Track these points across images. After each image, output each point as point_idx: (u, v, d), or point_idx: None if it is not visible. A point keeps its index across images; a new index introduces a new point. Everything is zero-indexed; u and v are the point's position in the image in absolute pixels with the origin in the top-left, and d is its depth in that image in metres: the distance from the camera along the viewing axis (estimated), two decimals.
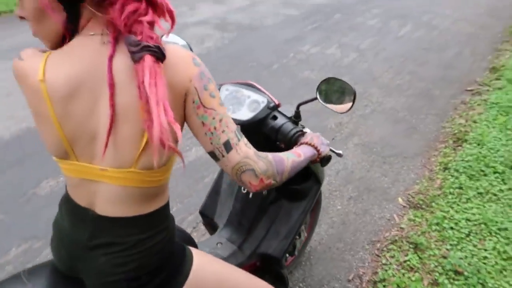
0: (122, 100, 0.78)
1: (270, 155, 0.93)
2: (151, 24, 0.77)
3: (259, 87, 1.41)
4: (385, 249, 2.13)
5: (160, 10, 0.78)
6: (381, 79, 4.11)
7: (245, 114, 1.31)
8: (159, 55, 0.75)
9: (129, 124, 0.79)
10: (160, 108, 0.74)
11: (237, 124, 1.18)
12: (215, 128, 0.85)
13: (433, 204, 2.40)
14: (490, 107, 3.40)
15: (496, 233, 2.15)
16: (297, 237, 1.76)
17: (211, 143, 0.86)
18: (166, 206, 0.97)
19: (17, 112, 3.21)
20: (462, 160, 2.73)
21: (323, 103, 1.33)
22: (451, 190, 2.49)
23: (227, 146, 0.86)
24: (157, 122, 0.73)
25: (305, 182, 1.53)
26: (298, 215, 1.53)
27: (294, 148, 1.16)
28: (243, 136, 0.90)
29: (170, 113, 0.75)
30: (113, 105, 0.77)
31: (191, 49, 1.34)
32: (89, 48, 0.80)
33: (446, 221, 2.24)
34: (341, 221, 2.31)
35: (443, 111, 3.51)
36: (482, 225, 2.19)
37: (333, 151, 1.30)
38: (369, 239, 2.20)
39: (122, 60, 0.77)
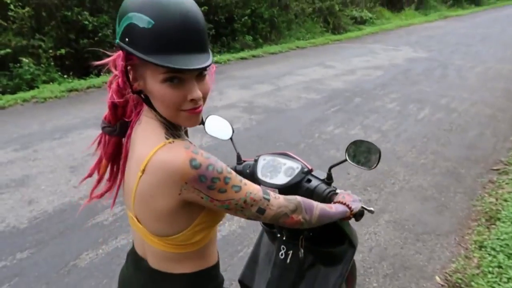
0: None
1: (299, 197, 1.04)
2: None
3: (293, 155, 1.56)
4: None
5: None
6: (405, 158, 4.22)
7: (282, 179, 1.43)
8: (103, 129, 1.02)
9: (128, 188, 0.96)
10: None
11: (275, 188, 1.35)
12: (242, 207, 0.91)
13: (473, 283, 2.35)
14: None
15: None
16: None
17: (245, 215, 0.94)
18: (212, 269, 1.04)
19: (60, 187, 3.39)
20: (498, 239, 2.71)
21: (352, 163, 1.46)
22: (490, 269, 2.44)
23: (260, 211, 0.94)
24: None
25: (340, 245, 1.58)
26: (336, 279, 1.55)
27: (326, 204, 1.25)
28: (270, 192, 0.98)
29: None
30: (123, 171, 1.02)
31: (233, 130, 1.52)
32: None
33: None
34: None
35: (471, 190, 3.54)
36: None
37: (365, 208, 1.38)
38: None
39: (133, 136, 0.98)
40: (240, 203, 0.89)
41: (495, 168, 3.96)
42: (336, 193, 1.38)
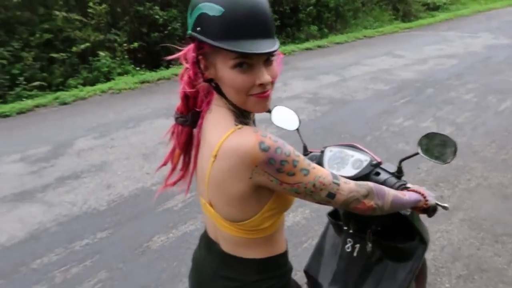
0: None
1: (370, 183, 1.02)
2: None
3: (361, 147, 1.51)
4: None
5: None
6: (483, 153, 3.93)
7: (349, 171, 1.40)
8: (176, 120, 1.05)
9: (201, 174, 1.00)
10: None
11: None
12: (311, 191, 0.91)
13: None
14: None
15: None
16: None
17: (314, 199, 0.93)
18: (281, 256, 1.05)
19: (134, 173, 3.61)
20: None
21: (425, 156, 1.38)
22: None
23: (330, 195, 0.93)
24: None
25: (410, 241, 1.52)
26: (405, 276, 1.50)
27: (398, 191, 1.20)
28: (340, 177, 0.97)
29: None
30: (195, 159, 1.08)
31: (299, 121, 1.51)
32: None
33: None
34: None
35: None
36: None
37: (439, 204, 1.31)
38: None
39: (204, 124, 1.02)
40: (309, 187, 0.89)
41: None
42: (407, 187, 1.33)
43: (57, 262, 2.50)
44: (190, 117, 1.03)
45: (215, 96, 0.97)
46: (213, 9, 0.83)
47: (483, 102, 5.46)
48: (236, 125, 0.90)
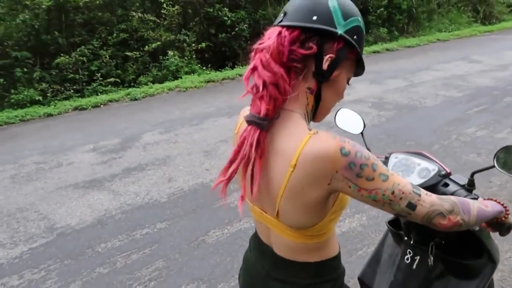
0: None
1: (453, 197, 0.95)
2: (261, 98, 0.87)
3: (430, 156, 1.42)
4: None
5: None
6: None
7: (415, 180, 1.32)
8: (259, 125, 0.86)
9: (269, 183, 0.91)
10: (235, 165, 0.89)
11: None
12: (390, 200, 0.86)
13: None
14: None
15: None
16: None
17: (393, 209, 0.88)
18: (335, 259, 1.03)
19: (194, 169, 3.74)
20: None
21: (502, 170, 1.26)
22: None
23: (410, 206, 0.88)
24: (227, 177, 0.89)
25: (477, 259, 1.40)
26: None
27: (478, 200, 1.10)
28: (421, 188, 0.91)
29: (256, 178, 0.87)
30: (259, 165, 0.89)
31: (364, 125, 1.45)
32: None
33: None
34: None
35: None
36: None
37: None
38: None
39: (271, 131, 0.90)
40: (387, 194, 0.85)
41: None
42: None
43: (120, 247, 2.65)
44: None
45: (290, 98, 0.89)
46: (363, 28, 0.97)
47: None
48: (311, 130, 0.86)
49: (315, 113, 0.95)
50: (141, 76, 7.54)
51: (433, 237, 1.35)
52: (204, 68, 8.12)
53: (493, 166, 1.28)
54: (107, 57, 7.25)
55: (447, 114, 5.04)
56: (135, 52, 7.60)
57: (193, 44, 8.20)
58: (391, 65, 7.76)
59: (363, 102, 5.58)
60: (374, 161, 0.85)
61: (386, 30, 10.31)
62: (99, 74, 6.97)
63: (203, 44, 8.27)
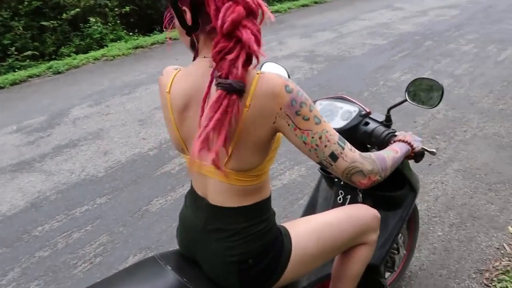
0: None
1: (373, 155, 1.01)
2: (235, 60, 0.84)
3: (350, 98, 1.51)
4: (495, 279, 1.98)
5: (245, 47, 0.84)
6: (480, 104, 3.90)
7: (339, 123, 1.41)
8: (230, 90, 0.84)
9: None
10: (205, 132, 0.85)
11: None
12: (317, 145, 0.93)
13: None
14: None
15: None
16: (396, 252, 1.74)
17: (317, 157, 0.95)
18: (267, 200, 1.09)
19: (131, 140, 3.62)
20: None
21: (413, 102, 1.40)
22: None
23: (333, 156, 0.94)
24: (197, 142, 0.86)
25: (400, 190, 1.55)
26: (395, 223, 1.54)
27: (389, 146, 1.22)
28: (346, 142, 0.97)
29: (221, 139, 0.86)
30: (201, 116, 0.90)
31: (288, 76, 1.48)
32: (200, 69, 0.97)
33: None
34: (443, 247, 2.20)
35: None
36: None
37: (426, 149, 1.33)
38: (475, 267, 2.07)
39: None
40: (316, 137, 0.92)
41: None
42: (395, 135, 1.33)
43: (59, 228, 2.56)
44: None
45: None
46: None
47: (483, 52, 5.35)
48: (257, 72, 0.91)
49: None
50: (63, 47, 6.98)
51: None
52: (131, 34, 7.68)
53: (406, 100, 1.41)
54: (21, 28, 6.58)
55: (374, 62, 5.25)
56: (52, 21, 6.97)
57: (116, 9, 7.68)
58: (320, 18, 7.85)
59: (295, 56, 5.64)
60: (312, 103, 0.92)
61: None
62: (14, 48, 6.35)
63: (127, 8, 7.77)
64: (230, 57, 0.84)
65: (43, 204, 2.81)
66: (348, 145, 0.97)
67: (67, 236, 2.49)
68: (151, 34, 7.60)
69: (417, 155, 1.27)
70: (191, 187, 1.13)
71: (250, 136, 0.92)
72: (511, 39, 5.76)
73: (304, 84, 4.56)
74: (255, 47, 0.85)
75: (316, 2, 9.23)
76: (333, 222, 1.17)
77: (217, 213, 1.04)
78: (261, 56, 0.88)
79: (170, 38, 7.02)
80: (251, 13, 0.86)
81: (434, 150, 1.34)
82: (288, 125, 0.91)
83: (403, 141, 1.23)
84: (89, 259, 2.29)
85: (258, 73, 0.91)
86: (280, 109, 0.89)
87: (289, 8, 8.65)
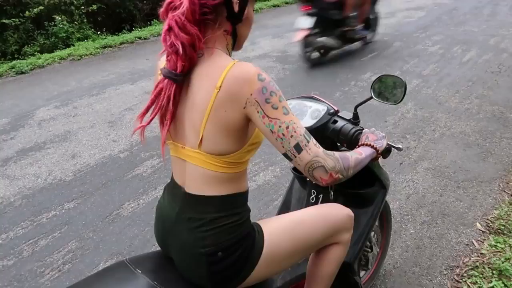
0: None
1: (336, 153, 1.05)
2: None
3: (319, 97, 1.53)
4: (465, 275, 2.03)
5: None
6: (447, 103, 4.01)
7: (308, 122, 1.43)
8: (176, 80, 0.98)
9: (193, 114, 1.00)
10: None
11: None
12: (283, 134, 0.96)
13: None
14: None
15: None
16: (369, 250, 1.76)
17: (283, 147, 0.98)
18: (243, 195, 1.10)
19: (100, 142, 3.51)
20: None
21: (378, 99, 1.44)
22: None
23: (298, 148, 0.97)
24: (146, 123, 1.04)
25: (370, 187, 1.58)
26: (367, 220, 1.55)
27: (354, 149, 1.23)
28: (312, 137, 1.00)
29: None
30: (175, 101, 1.02)
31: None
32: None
33: None
34: (416, 245, 2.25)
35: None
36: None
37: (392, 145, 1.37)
38: (446, 264, 2.12)
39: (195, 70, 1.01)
40: (283, 127, 0.96)
41: None
42: (361, 132, 1.36)
43: (24, 235, 2.44)
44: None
45: (209, 39, 1.00)
46: None
47: (448, 53, 5.52)
48: (234, 60, 0.98)
49: (234, 46, 1.09)
50: (26, 46, 6.73)
51: None
52: (99, 33, 7.49)
53: (371, 97, 1.44)
54: None
55: (346, 62, 5.32)
56: (13, 19, 6.70)
57: (83, 7, 7.47)
58: (291, 18, 7.86)
59: (268, 57, 5.64)
60: (282, 95, 0.97)
61: None
62: None
63: (94, 6, 7.57)
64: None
65: (7, 211, 2.67)
66: (313, 140, 1.00)
67: (33, 243, 2.38)
68: (120, 34, 7.43)
69: (384, 152, 1.32)
70: (171, 178, 1.15)
71: (221, 117, 0.96)
72: (474, 41, 5.98)
73: (278, 84, 4.55)
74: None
75: (287, 3, 9.28)
76: (306, 220, 1.17)
77: (191, 202, 1.06)
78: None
79: (140, 38, 6.89)
80: None
81: (400, 146, 1.37)
82: (258, 112, 0.95)
83: (366, 144, 1.26)
84: (57, 267, 2.20)
85: (234, 61, 0.97)
86: (251, 94, 0.94)
87: (260, 8, 8.66)
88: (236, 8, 1.00)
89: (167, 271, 1.11)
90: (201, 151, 1.00)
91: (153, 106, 1.02)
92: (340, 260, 1.29)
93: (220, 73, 0.95)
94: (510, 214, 2.41)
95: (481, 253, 2.16)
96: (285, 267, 1.18)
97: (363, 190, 1.55)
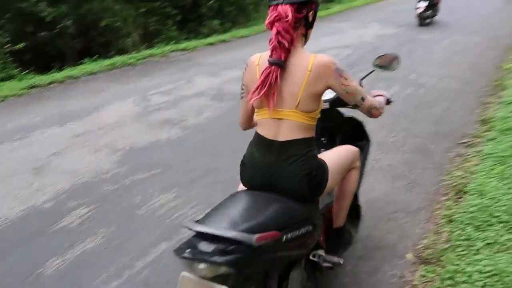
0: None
1: (376, 99, 1.85)
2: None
3: None
4: None
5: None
6: (375, 137, 4.19)
7: (330, 95, 2.11)
8: (280, 66, 1.58)
9: (293, 87, 1.59)
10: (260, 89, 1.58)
11: (325, 101, 2.06)
12: (354, 93, 1.65)
13: (443, 258, 2.38)
14: (485, 158, 3.48)
15: (511, 282, 2.12)
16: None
17: (354, 100, 1.68)
18: (314, 137, 1.71)
19: (22, 192, 3.25)
20: (466, 212, 2.75)
21: (379, 70, 2.29)
22: (459, 242, 2.48)
23: (362, 99, 1.70)
24: (260, 95, 1.58)
25: (361, 141, 2.33)
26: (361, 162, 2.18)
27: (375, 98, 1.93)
28: (368, 93, 1.78)
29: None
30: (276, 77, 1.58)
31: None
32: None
33: (458, 274, 2.21)
34: (354, 281, 2.28)
35: (440, 165, 3.59)
36: (495, 276, 2.17)
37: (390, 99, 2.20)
38: None
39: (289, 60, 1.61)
40: (353, 89, 1.64)
41: (462, 141, 4.02)
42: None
43: None
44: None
45: (294, 39, 1.60)
46: None
47: (374, 89, 5.88)
48: (312, 53, 1.60)
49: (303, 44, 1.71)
50: None
51: (337, 134, 2.30)
52: (25, 72, 7.11)
53: (373, 70, 2.28)
54: None
55: None
56: None
57: (7, 45, 7.10)
58: (226, 56, 8.05)
59: (204, 95, 5.66)
60: (347, 70, 1.62)
61: (218, 21, 10.64)
62: None
63: (20, 45, 7.22)
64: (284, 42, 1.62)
65: None
66: (369, 95, 1.78)
67: None
68: (49, 73, 7.10)
69: (389, 102, 2.13)
70: (257, 137, 1.68)
71: (311, 88, 1.57)
72: (396, 77, 6.43)
73: (214, 123, 4.57)
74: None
75: (222, 41, 9.49)
76: (342, 153, 1.85)
77: (287, 145, 1.62)
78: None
79: (71, 77, 6.62)
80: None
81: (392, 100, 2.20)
82: (337, 83, 1.59)
83: (379, 95, 2.06)
84: None
85: (314, 54, 1.59)
86: (331, 72, 1.58)
87: (195, 47, 8.76)
88: (310, 19, 1.63)
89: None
90: (297, 111, 1.59)
91: (260, 86, 1.55)
92: (357, 179, 1.99)
93: (308, 61, 1.57)
94: (436, 242, 2.54)
95: (414, 284, 2.23)
96: (337, 183, 1.83)
97: (358, 142, 2.22)
